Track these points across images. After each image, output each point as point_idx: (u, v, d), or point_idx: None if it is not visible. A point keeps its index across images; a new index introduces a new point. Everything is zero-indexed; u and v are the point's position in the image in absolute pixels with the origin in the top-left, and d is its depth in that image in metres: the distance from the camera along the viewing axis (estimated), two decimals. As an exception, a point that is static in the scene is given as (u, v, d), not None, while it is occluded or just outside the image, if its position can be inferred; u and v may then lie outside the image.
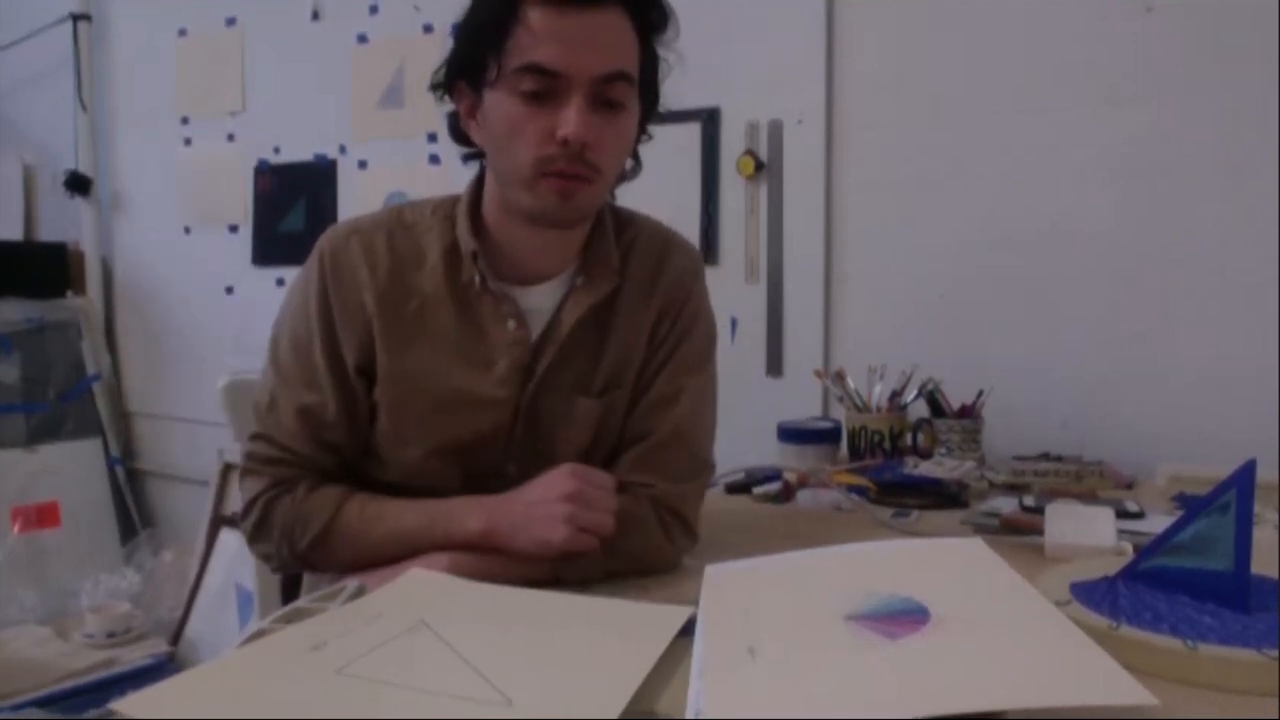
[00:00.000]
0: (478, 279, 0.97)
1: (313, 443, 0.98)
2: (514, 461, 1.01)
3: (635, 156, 1.02)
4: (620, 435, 1.03)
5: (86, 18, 2.91)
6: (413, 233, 1.00)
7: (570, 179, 0.89)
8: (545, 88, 0.87)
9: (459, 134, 0.99)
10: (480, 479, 1.00)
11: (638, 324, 1.03)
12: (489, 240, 0.99)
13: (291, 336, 1.00)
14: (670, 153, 1.94)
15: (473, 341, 0.98)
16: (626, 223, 1.06)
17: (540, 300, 1.00)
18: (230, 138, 2.69)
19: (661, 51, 0.96)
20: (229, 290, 2.71)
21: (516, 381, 0.98)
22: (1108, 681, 0.54)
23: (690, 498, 1.00)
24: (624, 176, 1.01)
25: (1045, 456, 1.48)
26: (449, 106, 0.99)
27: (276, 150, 2.62)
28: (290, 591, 1.18)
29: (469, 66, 0.92)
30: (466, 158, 1.02)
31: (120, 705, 0.58)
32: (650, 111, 0.99)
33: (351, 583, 0.83)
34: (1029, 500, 1.18)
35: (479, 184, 1.01)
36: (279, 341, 1.01)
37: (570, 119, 0.86)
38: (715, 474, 1.08)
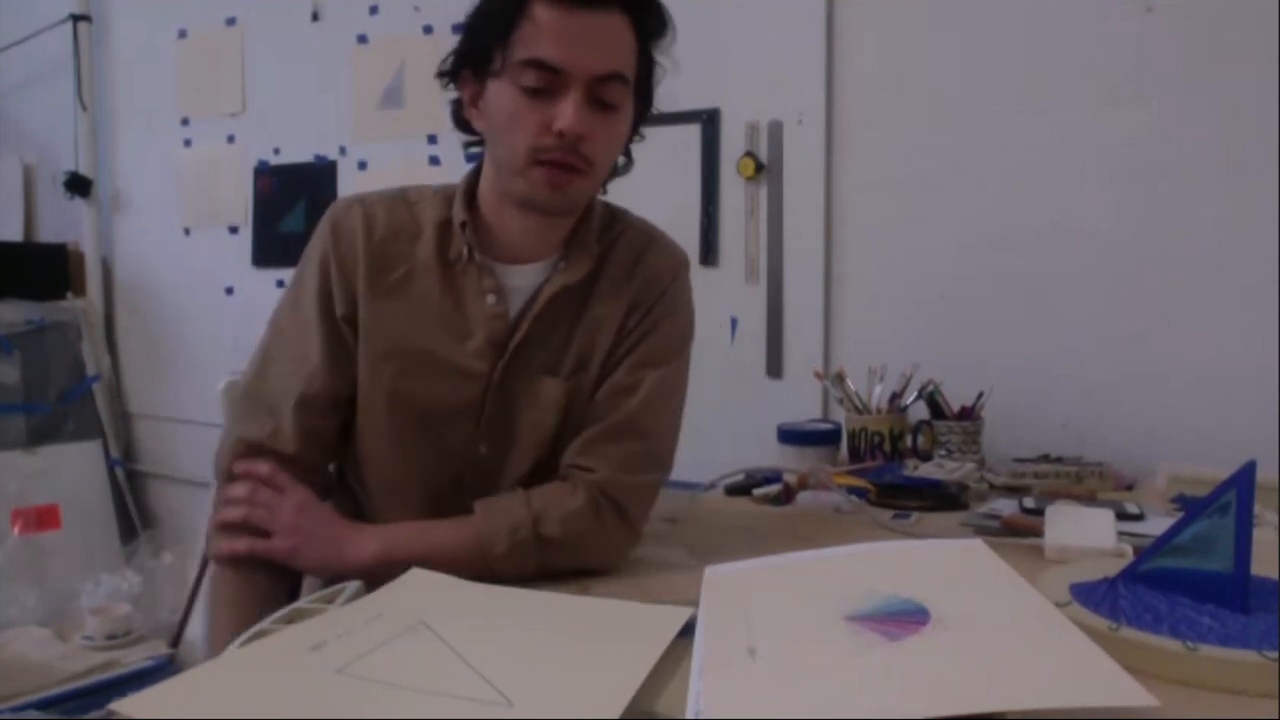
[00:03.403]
0: (465, 250, 1.01)
1: (299, 406, 1.01)
2: (485, 442, 1.03)
3: (628, 153, 1.05)
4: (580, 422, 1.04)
5: (86, 18, 2.91)
6: (414, 208, 1.05)
7: (562, 169, 0.93)
8: (545, 83, 0.91)
9: (461, 121, 1.02)
10: (453, 461, 1.03)
11: (609, 313, 1.04)
12: (481, 220, 1.03)
13: (293, 296, 1.05)
14: (670, 153, 1.94)
15: (453, 313, 1.01)
16: (617, 218, 1.10)
17: (522, 279, 1.03)
18: (230, 138, 2.69)
19: (658, 57, 0.99)
20: (229, 291, 2.71)
21: (491, 356, 1.01)
22: (1108, 683, 0.54)
23: (635, 491, 0.98)
24: (615, 172, 1.05)
25: (1045, 458, 1.48)
26: (453, 101, 1.02)
27: (276, 151, 2.62)
28: (290, 592, 1.18)
29: (475, 56, 0.96)
30: (467, 145, 1.05)
31: (120, 705, 0.58)
32: (643, 114, 1.02)
33: (351, 583, 0.83)
34: (1029, 502, 1.18)
35: (476, 172, 1.05)
36: (279, 308, 1.07)
37: (566, 113, 0.90)
38: (669, 475, 1.05)
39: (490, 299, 1.01)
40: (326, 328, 1.01)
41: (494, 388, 1.01)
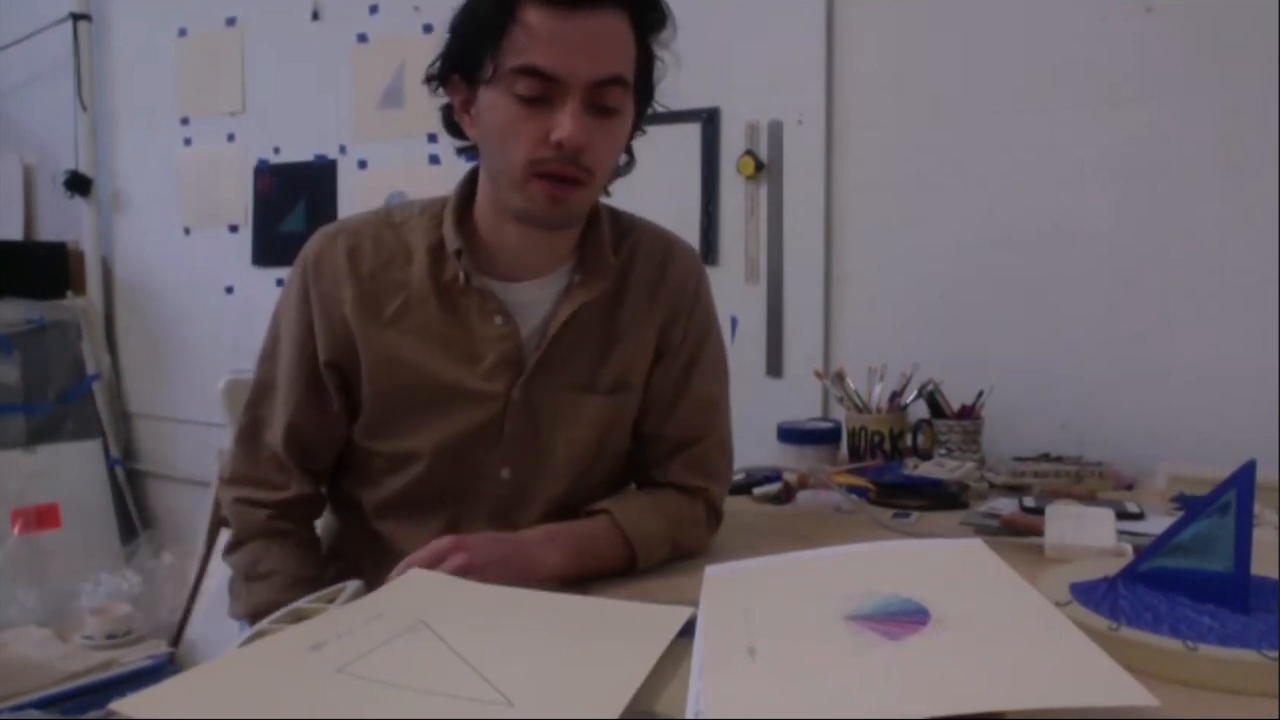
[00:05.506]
0: (461, 276, 0.97)
1: (290, 447, 1.02)
2: (507, 465, 1.01)
3: (629, 151, 1.01)
4: (652, 436, 1.06)
5: (86, 18, 2.91)
6: (400, 231, 1.01)
7: (562, 182, 0.89)
8: (541, 91, 0.86)
9: (453, 126, 0.99)
10: (473, 485, 1.00)
11: (644, 327, 1.03)
12: (477, 238, 0.99)
13: (272, 339, 1.04)
14: (670, 153, 1.94)
15: (458, 336, 0.98)
16: (628, 227, 1.07)
17: (530, 296, 1.00)
18: (230, 138, 2.69)
19: (659, 51, 0.95)
20: (229, 290, 2.71)
21: (506, 376, 0.98)
22: (1108, 682, 0.54)
23: (725, 495, 1.10)
24: (617, 172, 1.02)
25: (1045, 457, 1.48)
26: (444, 107, 0.99)
27: (276, 150, 2.62)
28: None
29: (464, 62, 0.92)
30: (461, 150, 1.02)
31: (120, 705, 0.58)
32: (644, 110, 0.98)
33: (352, 583, 0.83)
34: (1029, 501, 1.18)
35: (469, 183, 1.02)
36: (262, 357, 1.05)
37: (565, 123, 0.86)
38: None
39: (498, 320, 0.98)
40: (307, 374, 1.00)
41: (514, 408, 0.99)
